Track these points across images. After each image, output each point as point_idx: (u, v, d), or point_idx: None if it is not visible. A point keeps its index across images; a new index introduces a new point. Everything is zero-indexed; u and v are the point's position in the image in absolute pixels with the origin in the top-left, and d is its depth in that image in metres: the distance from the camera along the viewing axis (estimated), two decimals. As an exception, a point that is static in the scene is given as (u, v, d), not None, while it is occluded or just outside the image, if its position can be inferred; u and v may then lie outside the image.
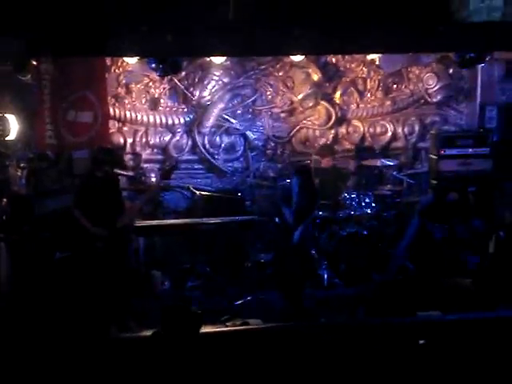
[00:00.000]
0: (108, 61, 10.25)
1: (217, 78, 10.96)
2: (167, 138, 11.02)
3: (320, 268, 9.46)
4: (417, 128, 11.58)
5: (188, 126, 11.04)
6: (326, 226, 9.90)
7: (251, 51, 8.38)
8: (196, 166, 11.18)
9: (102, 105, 9.85)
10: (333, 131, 11.39)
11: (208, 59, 10.31)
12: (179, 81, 10.81)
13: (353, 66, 11.34)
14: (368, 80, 11.45)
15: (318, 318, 8.15)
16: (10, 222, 8.38)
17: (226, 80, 11.00)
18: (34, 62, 8.87)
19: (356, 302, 8.32)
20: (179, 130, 11.05)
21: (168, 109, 11.00)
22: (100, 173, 7.90)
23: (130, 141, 10.84)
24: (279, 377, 5.69)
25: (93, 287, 7.74)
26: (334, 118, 11.33)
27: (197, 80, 10.92)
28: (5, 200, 8.61)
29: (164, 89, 10.91)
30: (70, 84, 9.34)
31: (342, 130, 11.45)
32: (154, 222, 9.66)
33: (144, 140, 10.92)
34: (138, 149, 10.87)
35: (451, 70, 11.36)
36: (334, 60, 11.24)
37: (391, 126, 11.54)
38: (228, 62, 10.66)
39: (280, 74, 11.17)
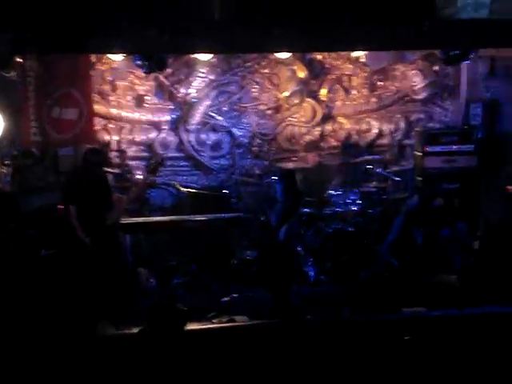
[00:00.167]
0: (93, 58, 10.21)
1: (202, 76, 10.94)
2: (153, 136, 10.99)
3: (306, 265, 9.48)
4: (402, 125, 11.62)
5: (174, 124, 11.02)
6: (312, 223, 9.92)
7: (235, 48, 8.37)
8: (182, 164, 11.14)
9: (86, 102, 9.84)
10: (318, 128, 11.40)
11: (194, 56, 10.29)
12: (165, 78, 10.78)
13: (338, 63, 11.35)
14: (353, 77, 11.45)
15: (304, 314, 8.16)
16: (-5, 220, 8.35)
17: (211, 77, 10.99)
18: (19, 59, 8.83)
19: (342, 299, 8.33)
20: (165, 127, 11.02)
21: (153, 106, 10.96)
22: (89, 171, 7.93)
23: (115, 138, 10.78)
24: (265, 373, 5.69)
25: (79, 284, 7.73)
26: (319, 115, 11.35)
27: (182, 77, 10.90)
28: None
29: (149, 86, 10.87)
30: (55, 81, 9.32)
31: (328, 127, 11.45)
32: (140, 220, 9.65)
33: (129, 137, 10.87)
34: (123, 146, 10.81)
35: (436, 68, 11.42)
36: (319, 57, 11.24)
37: (377, 123, 11.57)
38: (214, 60, 10.65)
39: (266, 71, 11.17)
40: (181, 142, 11.06)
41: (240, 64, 11.03)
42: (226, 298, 8.72)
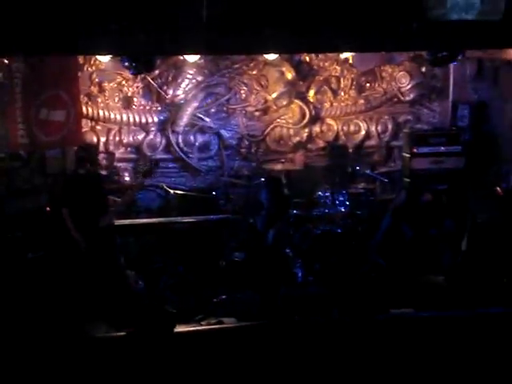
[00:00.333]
0: (80, 59, 10.19)
1: (190, 77, 10.93)
2: (141, 137, 10.97)
3: (294, 266, 9.46)
4: (390, 126, 11.65)
5: (162, 125, 11.00)
6: (300, 225, 9.92)
7: (223, 50, 8.35)
8: (170, 165, 11.13)
9: (74, 103, 9.80)
10: (307, 130, 11.41)
11: (182, 58, 10.28)
12: (153, 79, 10.76)
13: (326, 64, 11.37)
14: (341, 79, 11.48)
15: (293, 316, 8.15)
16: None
17: (199, 79, 10.97)
18: (6, 61, 8.78)
19: (330, 300, 8.33)
20: (153, 128, 11.00)
21: (141, 107, 10.95)
22: (82, 170, 7.93)
23: (103, 140, 10.75)
24: (254, 375, 5.69)
25: (67, 287, 7.71)
26: (307, 116, 11.36)
27: (170, 78, 10.88)
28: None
29: (137, 87, 10.86)
30: (42, 82, 9.26)
31: (316, 128, 11.47)
32: (128, 222, 9.62)
33: (117, 139, 10.85)
34: (111, 148, 10.79)
35: (424, 69, 11.45)
36: (307, 59, 11.26)
37: (365, 124, 11.60)
38: (202, 61, 10.64)
39: (254, 72, 11.17)
40: (169, 143, 11.05)
41: (228, 65, 11.02)
42: (214, 300, 8.70)
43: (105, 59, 9.78)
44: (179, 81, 10.90)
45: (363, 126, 11.59)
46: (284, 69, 11.15)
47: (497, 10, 6.60)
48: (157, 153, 10.99)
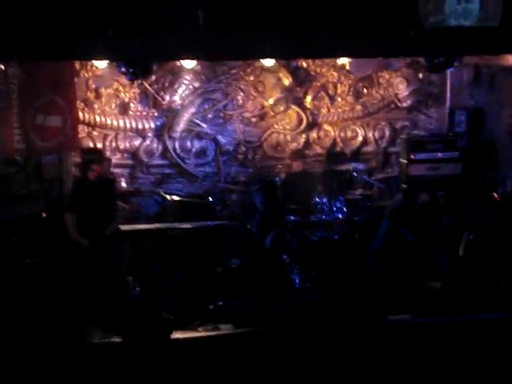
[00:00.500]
0: (77, 65, 10.19)
1: (187, 83, 10.93)
2: (137, 143, 10.96)
3: (291, 273, 9.44)
4: (387, 132, 11.64)
5: (158, 131, 10.99)
6: (298, 231, 9.90)
7: (220, 55, 8.35)
8: (167, 171, 11.12)
9: (71, 109, 9.78)
10: (304, 136, 11.41)
11: (178, 63, 10.26)
12: (149, 85, 10.76)
13: (323, 70, 11.37)
14: (338, 85, 11.48)
15: (290, 322, 8.13)
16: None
17: (196, 84, 10.97)
18: (2, 66, 8.76)
19: (327, 307, 8.32)
20: (149, 134, 10.99)
21: (138, 113, 10.94)
22: (91, 175, 7.92)
23: (99, 145, 10.73)
24: (251, 381, 5.68)
25: (66, 292, 7.70)
26: (304, 122, 11.35)
27: (167, 84, 10.88)
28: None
29: (134, 93, 10.85)
30: (39, 88, 9.24)
31: (313, 134, 11.46)
32: (125, 228, 9.59)
33: (114, 145, 10.84)
34: (107, 153, 10.77)
35: (421, 75, 11.45)
36: (304, 64, 11.26)
37: (362, 130, 11.59)
38: (199, 67, 10.63)
39: (251, 78, 11.17)
40: (165, 149, 11.03)
41: (225, 71, 11.02)
42: (211, 307, 8.67)
43: (101, 65, 9.75)
44: (176, 87, 10.90)
45: (360, 132, 11.58)
46: (281, 75, 11.15)
47: (495, 16, 6.61)
48: (153, 159, 10.99)
